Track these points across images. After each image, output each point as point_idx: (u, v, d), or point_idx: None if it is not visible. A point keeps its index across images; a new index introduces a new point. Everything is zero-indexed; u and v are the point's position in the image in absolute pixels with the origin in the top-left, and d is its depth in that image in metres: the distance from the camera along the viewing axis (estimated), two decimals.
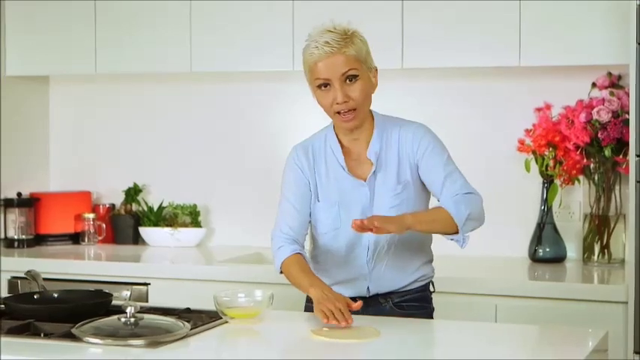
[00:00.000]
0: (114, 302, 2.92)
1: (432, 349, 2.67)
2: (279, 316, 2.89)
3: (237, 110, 4.65)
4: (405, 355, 2.49)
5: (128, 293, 4.03)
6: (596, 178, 3.94)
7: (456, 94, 4.30)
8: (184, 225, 4.59)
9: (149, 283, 4.07)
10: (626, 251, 3.82)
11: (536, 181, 4.08)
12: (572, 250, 4.09)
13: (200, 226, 4.61)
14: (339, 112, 2.87)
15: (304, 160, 2.98)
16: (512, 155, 4.14)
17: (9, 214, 4.63)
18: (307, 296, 3.05)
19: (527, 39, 3.87)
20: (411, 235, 2.90)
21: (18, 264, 4.23)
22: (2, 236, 4.66)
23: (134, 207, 4.73)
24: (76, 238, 4.71)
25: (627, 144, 3.66)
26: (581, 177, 4.01)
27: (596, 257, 3.94)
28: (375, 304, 2.97)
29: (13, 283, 4.21)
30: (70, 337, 2.56)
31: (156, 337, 2.53)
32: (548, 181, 4.02)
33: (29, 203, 4.64)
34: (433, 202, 2.99)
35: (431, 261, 3.05)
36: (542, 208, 4.06)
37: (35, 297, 2.96)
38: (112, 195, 4.81)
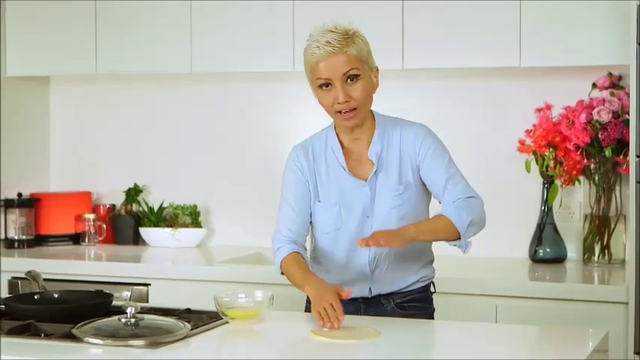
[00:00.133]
0: (114, 303, 2.92)
1: (432, 350, 2.67)
2: (280, 317, 2.89)
3: (237, 110, 4.65)
4: (405, 356, 2.49)
5: (128, 294, 4.03)
6: (596, 178, 3.94)
7: (457, 95, 4.30)
8: (185, 225, 4.59)
9: (149, 284, 4.07)
10: (627, 252, 3.82)
11: (536, 181, 4.08)
12: (573, 251, 4.09)
13: (200, 227, 4.61)
14: (339, 112, 2.87)
15: (304, 160, 2.98)
16: (512, 156, 4.14)
17: (9, 215, 4.62)
18: (307, 296, 3.06)
19: (528, 39, 3.87)
20: None
21: (18, 264, 4.23)
22: (3, 237, 4.66)
23: (134, 207, 4.73)
24: (76, 238, 4.71)
25: (627, 144, 3.66)
26: (581, 177, 4.00)
27: (596, 258, 3.94)
28: (376, 305, 2.97)
29: (13, 283, 4.21)
30: (71, 337, 2.56)
31: (156, 338, 2.53)
32: (548, 182, 4.02)
33: (29, 204, 4.64)
34: (434, 203, 2.99)
35: (432, 262, 3.05)
36: (543, 208, 4.06)
37: (36, 297, 2.96)
38: (113, 195, 4.81)
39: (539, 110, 4.04)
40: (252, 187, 4.60)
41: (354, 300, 2.96)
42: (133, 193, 4.73)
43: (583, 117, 3.85)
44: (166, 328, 2.61)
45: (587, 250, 3.97)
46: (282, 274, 2.97)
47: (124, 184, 4.75)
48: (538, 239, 4.06)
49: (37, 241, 4.65)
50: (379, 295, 2.97)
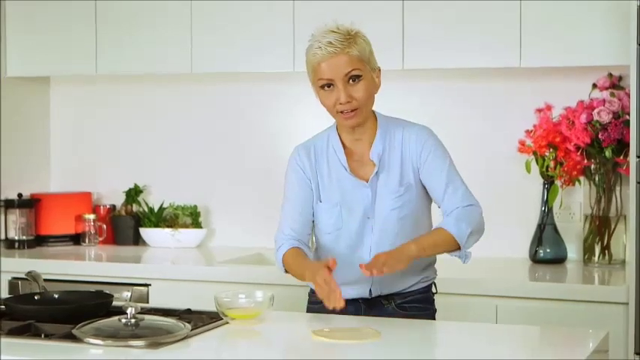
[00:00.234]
0: (114, 303, 2.92)
1: (432, 350, 2.67)
2: (280, 317, 2.89)
3: (237, 110, 4.65)
4: (405, 356, 2.49)
5: (129, 294, 4.03)
6: (596, 179, 3.94)
7: (457, 95, 4.30)
8: (185, 226, 4.59)
9: (150, 284, 4.07)
10: (627, 252, 3.82)
11: (536, 181, 4.08)
12: (573, 251, 4.09)
13: (201, 227, 4.61)
14: (341, 112, 2.87)
15: (306, 160, 2.98)
16: (512, 156, 4.14)
17: (9, 215, 4.62)
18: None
19: (528, 40, 3.87)
20: (412, 237, 2.89)
21: (18, 265, 4.23)
22: (3, 237, 4.66)
23: (135, 208, 4.73)
24: (76, 238, 4.71)
25: (628, 145, 3.66)
26: (581, 178, 4.00)
27: (596, 258, 3.94)
28: (377, 306, 2.97)
29: (13, 283, 4.21)
30: (71, 337, 2.56)
31: (156, 338, 2.53)
32: (548, 182, 4.02)
33: (30, 204, 4.64)
34: (435, 205, 2.99)
35: (434, 263, 3.05)
36: (543, 209, 4.06)
37: (36, 298, 2.96)
38: (113, 196, 4.81)
39: (539, 111, 4.04)
40: (253, 187, 4.60)
41: (354, 301, 2.96)
42: (133, 194, 4.73)
43: (583, 117, 3.85)
44: (166, 328, 2.61)
45: (588, 251, 3.97)
46: (286, 271, 2.96)
47: (124, 185, 4.75)
48: (538, 240, 4.06)
49: (38, 241, 4.65)
50: (380, 296, 2.97)
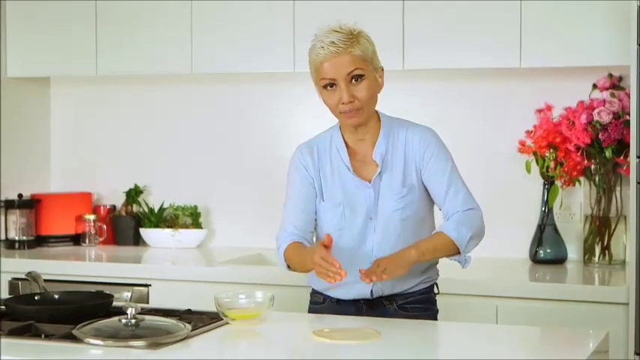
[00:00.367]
0: (115, 303, 2.92)
1: (432, 350, 2.67)
2: (280, 317, 2.89)
3: (237, 110, 4.65)
4: (405, 356, 2.49)
5: (129, 294, 4.03)
6: (596, 179, 3.94)
7: (457, 95, 4.30)
8: (185, 226, 4.59)
9: (150, 285, 4.07)
10: (627, 252, 3.82)
11: (536, 182, 4.08)
12: (573, 252, 4.09)
13: (201, 227, 4.61)
14: (344, 112, 2.87)
15: (309, 158, 2.98)
16: (512, 156, 4.14)
17: (10, 215, 4.62)
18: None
19: (528, 40, 3.87)
20: (415, 237, 2.89)
21: (19, 265, 4.23)
22: (3, 237, 4.66)
23: (135, 208, 4.73)
24: (76, 239, 4.70)
25: (628, 145, 3.66)
26: (581, 178, 4.00)
27: (596, 258, 3.94)
28: (379, 306, 2.97)
29: (13, 284, 4.21)
30: (71, 338, 2.56)
31: (157, 339, 2.53)
32: (548, 183, 4.02)
33: (30, 204, 4.64)
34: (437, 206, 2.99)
35: (436, 263, 3.04)
36: (543, 209, 4.06)
37: (36, 298, 2.96)
38: (113, 196, 4.81)
39: (539, 111, 4.04)
40: (253, 188, 4.60)
41: (356, 301, 2.96)
42: (133, 194, 4.72)
43: (583, 118, 3.85)
44: (167, 328, 2.61)
45: (588, 251, 3.97)
46: (289, 267, 2.95)
47: (125, 185, 4.75)
48: (538, 240, 4.06)
49: (38, 241, 4.65)
50: (381, 297, 2.97)
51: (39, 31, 4.59)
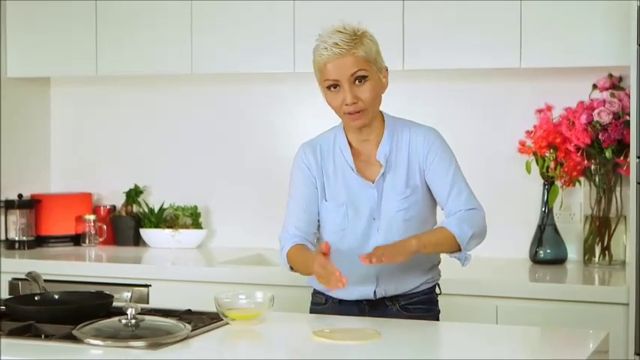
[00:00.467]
0: (115, 304, 2.92)
1: (432, 351, 2.67)
2: (280, 318, 2.89)
3: (237, 111, 4.65)
4: (405, 356, 2.49)
5: (129, 295, 4.03)
6: (596, 179, 3.94)
7: (457, 96, 4.30)
8: (185, 226, 4.59)
9: (150, 285, 4.07)
10: (627, 253, 3.82)
11: (536, 182, 4.08)
12: (573, 252, 4.09)
13: (201, 228, 4.61)
14: (348, 113, 2.86)
15: (312, 157, 2.97)
16: (512, 156, 4.14)
17: (10, 216, 4.62)
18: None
19: (528, 40, 3.87)
20: None
21: (19, 265, 4.23)
22: (3, 238, 4.65)
23: (135, 208, 4.73)
24: (76, 239, 4.70)
25: (628, 145, 3.66)
26: (581, 178, 4.00)
27: (596, 259, 3.94)
28: (381, 307, 2.96)
29: (14, 284, 4.21)
30: (71, 338, 2.56)
31: (157, 339, 2.53)
32: (548, 183, 4.02)
33: (30, 205, 4.64)
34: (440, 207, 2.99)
35: (438, 264, 3.04)
36: (543, 209, 4.06)
37: (36, 298, 2.96)
38: (113, 196, 4.81)
39: (539, 111, 4.04)
40: (253, 188, 4.60)
41: (358, 302, 2.96)
42: (133, 194, 4.72)
43: (583, 118, 3.85)
44: (167, 329, 2.61)
45: (588, 251, 3.97)
46: (292, 269, 2.95)
47: (125, 185, 4.75)
48: (538, 240, 4.06)
49: (38, 242, 4.65)
50: (384, 298, 2.96)
51: (39, 31, 4.59)
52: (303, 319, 2.95)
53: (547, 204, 4.04)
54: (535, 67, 3.95)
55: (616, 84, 3.97)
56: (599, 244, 3.94)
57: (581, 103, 3.95)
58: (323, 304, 3.01)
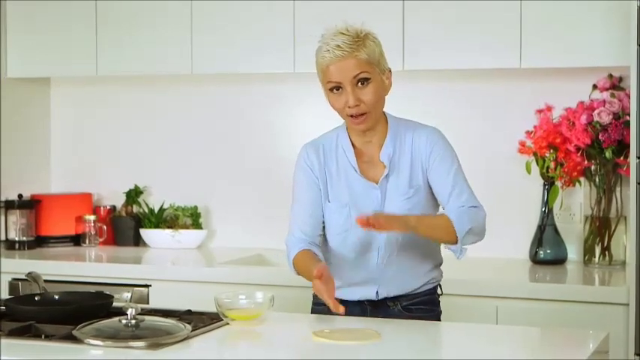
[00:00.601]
0: (115, 304, 2.92)
1: (432, 351, 2.67)
2: (280, 318, 2.89)
3: (237, 111, 4.65)
4: (405, 356, 2.49)
5: (129, 295, 4.03)
6: (597, 179, 3.94)
7: (457, 96, 4.30)
8: (185, 227, 4.59)
9: (150, 285, 4.07)
10: (627, 253, 3.82)
11: (537, 182, 4.08)
12: (573, 252, 4.09)
13: (201, 228, 4.60)
14: (351, 115, 2.86)
15: (314, 158, 2.97)
16: (512, 157, 4.14)
17: (10, 216, 4.62)
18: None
19: (528, 40, 3.87)
20: (421, 239, 2.90)
21: (19, 266, 4.23)
22: (3, 238, 4.65)
23: (135, 209, 4.72)
24: (76, 239, 4.70)
25: (628, 146, 3.65)
26: (582, 179, 4.00)
27: (596, 259, 3.94)
28: (383, 307, 2.96)
29: (14, 284, 4.21)
30: (71, 338, 2.56)
31: (157, 339, 2.53)
32: (549, 183, 4.02)
33: (30, 205, 4.64)
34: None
35: (440, 264, 3.04)
36: (543, 209, 4.06)
37: (36, 299, 2.96)
38: (113, 197, 4.81)
39: (539, 111, 4.04)
40: (253, 188, 4.60)
41: (360, 302, 2.95)
42: (133, 195, 4.72)
43: (583, 118, 3.85)
44: (167, 329, 2.61)
45: (588, 252, 3.97)
46: (299, 274, 2.94)
47: (125, 186, 4.75)
48: (539, 240, 4.05)
49: (38, 242, 4.65)
50: (386, 298, 2.96)
51: (39, 31, 4.58)
52: (303, 319, 2.95)
53: (547, 204, 4.04)
54: (535, 67, 3.95)
55: (616, 84, 3.97)
56: (599, 244, 3.94)
57: (581, 103, 3.95)
58: (325, 305, 3.00)
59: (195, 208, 4.62)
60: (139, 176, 4.78)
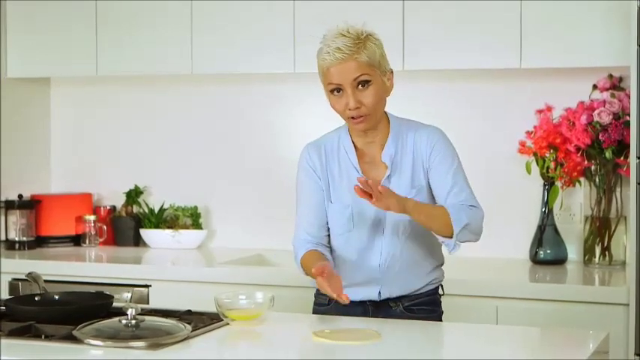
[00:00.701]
0: (115, 304, 2.92)
1: (432, 351, 2.67)
2: (281, 318, 2.89)
3: (237, 111, 4.65)
4: (405, 357, 2.49)
5: (129, 295, 4.03)
6: (597, 180, 3.94)
7: (457, 96, 4.30)
8: (185, 227, 4.59)
9: (150, 285, 4.07)
10: (627, 253, 3.82)
11: (537, 182, 4.08)
12: (573, 252, 4.09)
13: (201, 228, 4.60)
14: (352, 117, 2.86)
15: (316, 158, 2.96)
16: (513, 157, 4.14)
17: (10, 216, 4.62)
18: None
19: (528, 40, 3.87)
20: (423, 239, 2.91)
21: (19, 266, 4.23)
22: (3, 238, 4.65)
23: (135, 209, 4.72)
24: (77, 239, 4.70)
25: (628, 146, 3.65)
26: (582, 179, 4.00)
27: (596, 259, 3.94)
28: (385, 308, 2.96)
29: (14, 285, 4.21)
30: (71, 339, 2.56)
31: (157, 339, 2.53)
32: (549, 183, 4.02)
33: (30, 205, 4.64)
34: None
35: (442, 264, 3.04)
36: (543, 209, 4.06)
37: (36, 299, 2.96)
38: (113, 197, 4.81)
39: (539, 112, 4.04)
40: (253, 188, 4.60)
41: (362, 303, 2.95)
42: (133, 195, 4.72)
43: (583, 118, 3.85)
44: (167, 329, 2.61)
45: (588, 252, 3.97)
46: (307, 275, 2.93)
47: (125, 186, 4.75)
48: (539, 240, 4.05)
49: (38, 242, 4.65)
50: (388, 299, 2.96)
51: (39, 31, 4.58)
52: (303, 319, 2.94)
53: (547, 204, 4.04)
54: (535, 67, 3.95)
55: (616, 84, 3.97)
56: (600, 244, 3.94)
57: (582, 103, 3.95)
58: (326, 305, 3.00)
59: (195, 208, 4.62)
60: (139, 176, 4.78)
